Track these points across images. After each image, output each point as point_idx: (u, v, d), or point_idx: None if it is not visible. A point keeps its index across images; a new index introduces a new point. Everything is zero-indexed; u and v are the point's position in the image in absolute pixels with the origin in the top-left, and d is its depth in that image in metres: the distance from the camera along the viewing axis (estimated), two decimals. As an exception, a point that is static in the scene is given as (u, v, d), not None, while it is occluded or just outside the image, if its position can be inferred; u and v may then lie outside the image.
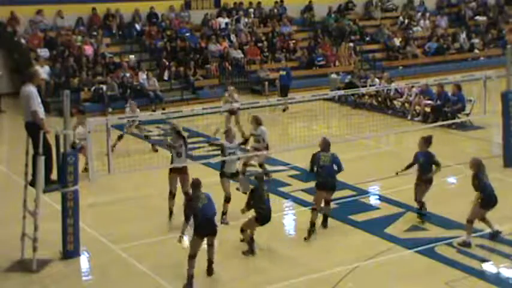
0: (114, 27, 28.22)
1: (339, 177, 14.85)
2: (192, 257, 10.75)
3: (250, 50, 28.27)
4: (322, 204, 12.94)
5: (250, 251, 11.96)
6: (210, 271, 11.15)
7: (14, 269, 11.60)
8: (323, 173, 12.68)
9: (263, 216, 11.83)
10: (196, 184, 11.06)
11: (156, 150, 18.44)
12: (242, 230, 12.02)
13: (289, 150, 17.42)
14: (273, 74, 26.75)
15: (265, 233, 12.80)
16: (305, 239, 12.50)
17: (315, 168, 12.84)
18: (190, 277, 10.71)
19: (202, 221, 10.87)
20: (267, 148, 15.64)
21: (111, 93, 23.87)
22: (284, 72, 24.96)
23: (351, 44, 30.00)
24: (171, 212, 13.64)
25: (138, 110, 18.89)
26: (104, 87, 24.00)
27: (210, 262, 11.17)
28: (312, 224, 12.56)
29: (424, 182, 13.09)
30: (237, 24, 29.89)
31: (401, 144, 19.53)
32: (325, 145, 12.90)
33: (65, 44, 26.00)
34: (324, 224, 13.05)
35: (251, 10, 31.19)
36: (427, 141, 13.20)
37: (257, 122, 15.77)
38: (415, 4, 35.11)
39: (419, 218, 13.21)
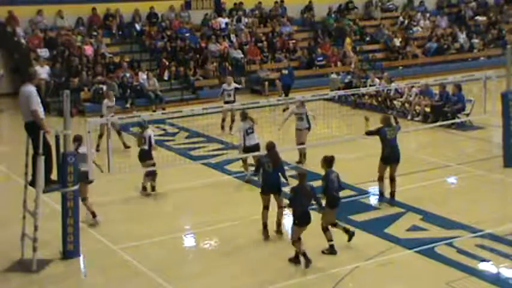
0: (114, 27, 28.22)
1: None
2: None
3: (250, 50, 28.27)
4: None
5: (300, 261, 11.35)
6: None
7: (14, 269, 11.60)
8: (389, 145, 13.84)
9: (299, 218, 11.22)
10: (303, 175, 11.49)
11: (128, 147, 18.38)
12: (294, 243, 11.35)
13: (290, 150, 17.42)
14: (273, 74, 26.76)
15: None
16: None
17: (382, 144, 13.94)
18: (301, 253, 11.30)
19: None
20: (309, 128, 17.02)
21: (111, 93, 23.85)
22: (286, 72, 25.05)
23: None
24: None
25: (114, 98, 19.10)
26: (104, 87, 24.00)
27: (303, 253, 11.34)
28: (381, 193, 14.09)
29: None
30: (237, 24, 29.90)
31: (401, 144, 19.41)
32: (387, 120, 14.14)
33: (65, 44, 25.99)
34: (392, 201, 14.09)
35: (251, 10, 31.19)
36: (325, 161, 12.21)
37: (302, 102, 17.09)
38: (415, 4, 35.11)
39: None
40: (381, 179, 14.16)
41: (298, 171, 11.89)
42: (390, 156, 13.99)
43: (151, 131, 15.30)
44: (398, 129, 14.47)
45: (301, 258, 11.31)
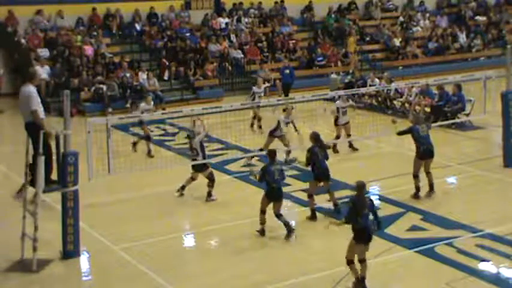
0: (114, 27, 28.22)
1: (339, 177, 14.92)
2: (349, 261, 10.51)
3: (250, 50, 28.26)
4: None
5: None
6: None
7: (14, 269, 11.60)
8: (424, 142, 14.21)
9: (359, 235, 10.41)
10: (362, 186, 10.60)
11: (152, 156, 18.33)
12: (348, 263, 10.58)
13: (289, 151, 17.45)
14: (273, 74, 26.74)
15: (265, 233, 12.83)
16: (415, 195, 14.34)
17: (416, 142, 14.32)
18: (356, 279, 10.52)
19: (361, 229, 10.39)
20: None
21: (111, 93, 23.88)
22: (288, 71, 25.05)
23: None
24: None
25: (152, 102, 18.75)
26: (104, 87, 24.00)
27: (362, 278, 10.47)
28: (418, 188, 14.35)
29: None
30: (238, 24, 29.90)
31: (401, 144, 19.49)
32: (419, 119, 14.69)
33: (65, 44, 26.00)
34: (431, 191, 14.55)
35: (252, 10, 31.18)
36: (269, 154, 13.09)
37: (347, 99, 18.09)
38: (415, 4, 35.11)
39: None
40: (416, 176, 14.38)
41: (356, 182, 10.68)
42: (426, 152, 14.28)
43: (199, 137, 14.54)
44: (430, 127, 14.75)
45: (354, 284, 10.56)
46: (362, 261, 10.48)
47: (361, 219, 10.35)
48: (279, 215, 12.61)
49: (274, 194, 12.58)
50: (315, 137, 13.56)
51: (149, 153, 18.07)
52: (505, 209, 14.04)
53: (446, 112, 20.63)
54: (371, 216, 10.59)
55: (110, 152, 13.47)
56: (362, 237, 10.39)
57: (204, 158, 14.59)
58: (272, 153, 12.84)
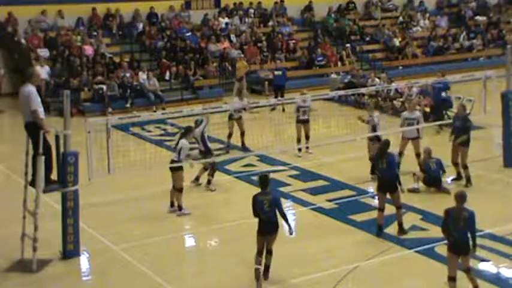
0: (114, 27, 28.21)
1: (339, 177, 14.92)
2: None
3: (250, 50, 28.25)
4: None
5: None
6: None
7: (14, 269, 11.61)
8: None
9: (453, 246, 9.82)
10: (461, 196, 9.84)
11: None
12: (448, 279, 9.94)
13: (289, 151, 17.45)
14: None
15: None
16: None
17: None
18: None
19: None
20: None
21: (111, 93, 23.88)
22: (280, 72, 24.89)
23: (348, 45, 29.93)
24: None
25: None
26: (104, 87, 24.00)
27: None
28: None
29: None
30: (239, 24, 29.88)
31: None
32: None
33: (65, 44, 26.00)
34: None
35: (251, 10, 31.19)
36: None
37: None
38: (415, 4, 35.12)
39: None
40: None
41: (456, 192, 10.06)
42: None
43: (200, 128, 15.51)
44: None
45: None
46: (453, 279, 9.91)
47: (458, 233, 9.69)
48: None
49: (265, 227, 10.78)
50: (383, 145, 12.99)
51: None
52: (505, 209, 14.05)
53: (446, 101, 20.62)
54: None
55: (109, 152, 13.47)
56: (460, 250, 9.79)
57: (206, 148, 15.28)
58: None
